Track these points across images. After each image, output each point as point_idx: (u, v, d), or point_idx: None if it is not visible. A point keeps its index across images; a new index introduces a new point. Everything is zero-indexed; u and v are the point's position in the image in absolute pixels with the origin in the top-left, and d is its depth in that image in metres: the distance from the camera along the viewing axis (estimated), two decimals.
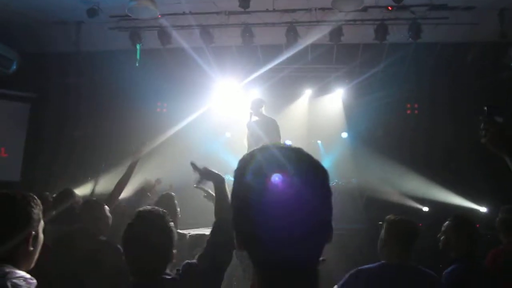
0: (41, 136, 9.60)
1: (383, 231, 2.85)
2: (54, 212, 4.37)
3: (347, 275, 2.70)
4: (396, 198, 8.48)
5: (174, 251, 2.06)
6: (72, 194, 4.55)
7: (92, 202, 3.81)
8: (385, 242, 2.81)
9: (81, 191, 8.25)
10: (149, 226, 2.05)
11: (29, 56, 9.23)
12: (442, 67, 8.88)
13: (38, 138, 9.60)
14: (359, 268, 2.71)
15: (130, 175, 4.25)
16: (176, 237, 2.12)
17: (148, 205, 3.79)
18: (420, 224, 8.39)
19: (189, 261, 2.08)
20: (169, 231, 2.08)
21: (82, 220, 3.65)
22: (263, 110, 7.21)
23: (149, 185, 6.30)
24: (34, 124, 9.71)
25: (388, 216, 2.89)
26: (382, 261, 2.77)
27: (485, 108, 1.97)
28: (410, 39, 7.75)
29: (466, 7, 7.55)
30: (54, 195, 4.69)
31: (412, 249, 2.82)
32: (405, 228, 2.83)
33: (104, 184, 8.54)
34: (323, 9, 7.86)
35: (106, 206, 3.79)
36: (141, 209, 2.18)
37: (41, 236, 1.83)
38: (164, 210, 2.17)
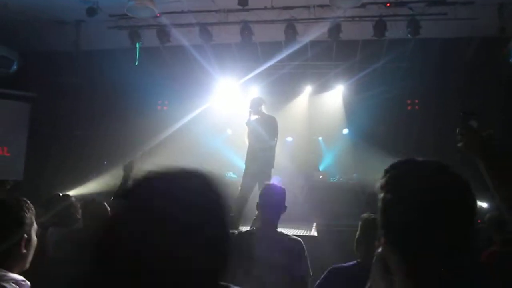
0: (42, 135, 9.63)
1: (358, 230, 2.86)
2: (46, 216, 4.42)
3: (325, 272, 2.75)
4: None
5: None
6: (65, 197, 4.55)
7: (92, 202, 3.83)
8: (360, 241, 2.82)
9: (84, 189, 8.31)
10: None
11: (30, 56, 9.26)
12: (441, 62, 8.87)
13: (39, 137, 9.62)
14: (334, 266, 2.75)
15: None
16: None
17: None
18: None
19: None
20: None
21: (82, 221, 3.68)
22: (263, 108, 7.22)
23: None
24: (36, 124, 9.74)
25: (363, 215, 2.90)
26: (358, 260, 2.79)
27: (461, 113, 2.07)
28: (409, 35, 7.74)
29: (465, 2, 7.54)
30: (48, 199, 4.68)
31: None
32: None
33: (107, 182, 8.60)
34: (321, 6, 7.86)
35: (106, 205, 3.81)
36: None
37: (34, 239, 1.89)
38: None
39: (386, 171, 1.17)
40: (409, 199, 1.09)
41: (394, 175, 1.15)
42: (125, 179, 4.30)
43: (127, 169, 4.26)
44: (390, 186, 1.14)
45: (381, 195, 1.15)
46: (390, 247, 1.13)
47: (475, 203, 1.12)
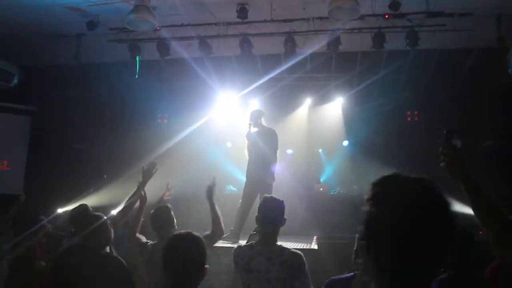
0: (42, 149, 9.61)
1: (356, 242, 2.84)
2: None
3: (323, 287, 2.71)
4: None
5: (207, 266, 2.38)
6: (86, 208, 4.63)
7: (95, 216, 3.80)
8: (358, 253, 2.80)
9: (84, 203, 8.24)
10: (188, 247, 2.38)
11: (30, 70, 9.29)
12: (441, 74, 8.88)
13: (39, 150, 9.61)
14: (332, 278, 2.72)
15: (140, 193, 4.29)
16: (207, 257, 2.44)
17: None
18: None
19: None
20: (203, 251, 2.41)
21: (86, 234, 3.65)
22: (263, 121, 7.25)
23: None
24: (36, 137, 9.73)
25: (359, 227, 2.89)
26: (355, 272, 2.76)
27: (444, 132, 2.06)
28: (408, 46, 7.75)
29: (463, 13, 7.57)
30: (70, 211, 4.78)
31: None
32: None
33: (105, 195, 8.55)
34: (320, 18, 7.88)
35: (107, 219, 3.79)
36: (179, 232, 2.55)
37: None
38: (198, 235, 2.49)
39: (373, 185, 1.21)
40: (393, 214, 1.12)
41: (380, 190, 1.19)
42: (143, 184, 4.31)
43: (146, 176, 4.30)
44: (375, 200, 1.17)
45: (367, 208, 1.19)
46: (372, 260, 1.16)
47: (454, 221, 1.15)
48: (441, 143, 2.02)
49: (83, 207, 4.78)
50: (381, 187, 1.19)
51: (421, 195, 1.15)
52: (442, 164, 2.00)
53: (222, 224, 3.84)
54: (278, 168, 8.47)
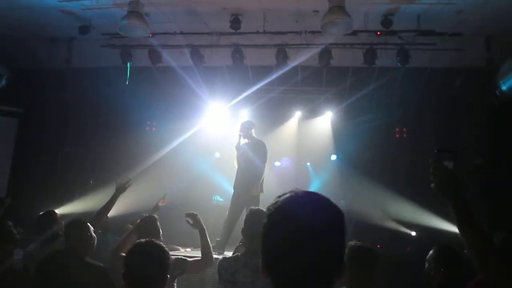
0: (28, 152, 9.52)
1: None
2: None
3: None
4: (384, 222, 8.49)
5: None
6: (55, 215, 4.58)
7: (76, 222, 3.77)
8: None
9: (68, 208, 8.17)
10: (148, 258, 2.35)
11: (19, 72, 9.21)
12: (430, 92, 8.98)
13: (25, 154, 9.50)
14: None
15: (112, 205, 4.42)
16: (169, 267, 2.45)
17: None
18: (408, 248, 8.42)
19: None
20: (165, 262, 2.40)
21: (68, 240, 3.61)
22: (253, 133, 7.25)
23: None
24: (22, 140, 9.63)
25: (349, 242, 2.90)
26: (343, 287, 2.77)
27: (435, 151, 1.96)
28: (399, 63, 7.84)
29: (453, 33, 7.70)
30: (38, 216, 4.71)
31: (373, 275, 2.84)
32: (364, 253, 2.85)
33: (92, 202, 8.46)
34: (313, 32, 7.96)
35: (91, 226, 3.76)
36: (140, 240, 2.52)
37: None
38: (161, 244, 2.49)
39: (273, 203, 1.25)
40: (279, 228, 1.17)
41: (274, 206, 1.23)
42: (114, 198, 4.33)
43: (118, 190, 4.32)
44: (269, 215, 1.22)
45: (264, 223, 1.23)
46: (264, 273, 1.21)
47: (343, 235, 1.18)
48: (431, 163, 1.93)
49: (49, 213, 4.74)
50: (275, 204, 1.24)
51: (309, 210, 1.19)
52: (432, 185, 1.94)
53: (212, 254, 3.79)
54: (284, 162, 8.51)
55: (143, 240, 2.46)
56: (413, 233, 8.47)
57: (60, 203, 8.20)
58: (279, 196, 1.25)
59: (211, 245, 3.77)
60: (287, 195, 1.24)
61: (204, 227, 3.73)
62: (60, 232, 4.15)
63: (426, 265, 3.27)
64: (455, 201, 1.88)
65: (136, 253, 2.38)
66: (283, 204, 1.21)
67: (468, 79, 8.52)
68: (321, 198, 1.23)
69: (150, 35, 7.82)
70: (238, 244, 4.17)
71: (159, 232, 3.84)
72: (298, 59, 8.26)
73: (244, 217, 3.51)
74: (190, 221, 3.77)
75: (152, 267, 2.31)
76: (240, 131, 7.17)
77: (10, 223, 4.40)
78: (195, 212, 3.80)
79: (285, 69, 8.39)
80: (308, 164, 10.97)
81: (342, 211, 1.21)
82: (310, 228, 1.14)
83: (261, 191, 6.97)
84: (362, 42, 7.99)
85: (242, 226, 3.39)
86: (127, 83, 8.86)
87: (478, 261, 1.86)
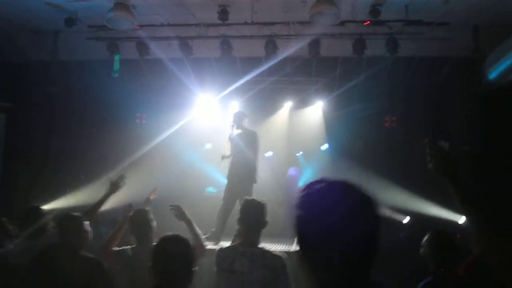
0: (18, 147, 9.44)
1: None
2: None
3: None
4: None
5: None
6: (40, 210, 4.54)
7: (70, 216, 3.77)
8: None
9: (60, 203, 8.15)
10: (177, 248, 2.44)
11: (5, 65, 9.11)
12: (418, 81, 9.08)
13: (15, 149, 9.43)
14: None
15: (103, 203, 4.41)
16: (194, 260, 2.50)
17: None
18: (402, 235, 8.54)
19: None
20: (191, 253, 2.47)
21: (62, 235, 3.62)
22: (245, 123, 7.29)
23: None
24: (11, 135, 9.55)
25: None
26: None
27: (431, 133, 2.05)
28: (388, 53, 7.91)
29: (440, 22, 7.77)
30: (23, 212, 4.66)
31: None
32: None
33: (84, 196, 8.44)
34: (301, 22, 7.98)
35: (85, 220, 3.76)
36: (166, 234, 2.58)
37: None
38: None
39: (301, 192, 1.27)
40: (317, 216, 1.18)
41: (306, 195, 1.25)
42: (107, 196, 4.29)
43: (112, 188, 4.27)
44: (301, 205, 1.24)
45: (296, 213, 1.24)
46: (303, 261, 1.23)
47: (378, 221, 1.21)
48: (427, 144, 2.01)
49: (35, 208, 4.68)
50: (307, 193, 1.26)
51: (344, 197, 1.21)
52: (429, 166, 2.01)
53: (203, 244, 3.81)
54: (292, 172, 8.61)
55: (169, 234, 2.53)
56: (406, 220, 8.58)
57: (53, 198, 8.18)
58: (309, 185, 1.28)
59: (201, 235, 3.77)
60: (319, 183, 1.26)
61: (190, 218, 3.71)
62: (50, 227, 4.13)
63: (421, 250, 3.36)
64: (454, 180, 1.94)
65: (162, 249, 2.45)
66: (318, 192, 1.24)
67: (455, 68, 8.63)
68: (354, 185, 1.26)
69: (137, 27, 7.78)
70: (235, 234, 4.22)
71: (151, 225, 3.84)
72: (287, 50, 8.25)
73: (239, 207, 3.55)
74: (175, 214, 3.76)
75: (178, 262, 2.38)
76: (233, 121, 7.22)
77: (4, 219, 4.40)
78: (178, 204, 3.78)
79: (275, 60, 8.39)
80: (300, 153, 11.03)
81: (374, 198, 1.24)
82: (349, 213, 1.17)
83: (254, 181, 7.03)
84: (351, 32, 8.03)
85: (238, 216, 3.42)
86: (115, 75, 8.79)
87: (479, 238, 1.91)
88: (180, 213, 3.74)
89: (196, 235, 3.64)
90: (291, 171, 8.75)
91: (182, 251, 2.42)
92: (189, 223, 3.70)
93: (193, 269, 2.40)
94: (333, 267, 1.17)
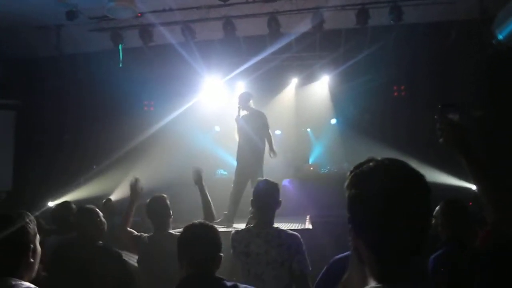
0: (29, 143, 9.54)
1: None
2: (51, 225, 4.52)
3: (328, 265, 2.67)
4: None
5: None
6: (69, 205, 4.62)
7: (86, 209, 3.79)
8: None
9: (75, 195, 8.25)
10: (205, 234, 2.45)
11: (12, 63, 9.15)
12: (425, 48, 8.91)
13: (27, 145, 9.52)
14: (334, 258, 2.70)
15: (132, 212, 4.00)
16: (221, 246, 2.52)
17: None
18: None
19: None
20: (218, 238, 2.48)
21: (79, 227, 3.65)
22: (251, 104, 7.24)
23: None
24: (22, 132, 9.63)
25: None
26: None
27: (439, 106, 1.99)
28: (392, 21, 7.74)
29: None
30: (53, 208, 4.77)
31: None
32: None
33: (96, 186, 8.53)
34: None
35: (99, 212, 3.78)
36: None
37: (38, 249, 2.01)
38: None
39: (351, 172, 1.28)
40: (371, 195, 1.19)
41: (357, 174, 1.25)
42: (132, 203, 4.09)
43: (134, 193, 4.07)
44: (354, 184, 1.24)
45: (347, 193, 1.26)
46: (359, 239, 1.24)
47: (429, 200, 1.21)
48: (437, 118, 1.97)
49: (65, 204, 4.76)
50: (358, 172, 1.25)
51: (396, 175, 1.21)
52: (440, 140, 1.97)
53: (213, 210, 3.84)
54: (286, 184, 8.63)
55: (196, 222, 2.54)
56: None
57: (67, 191, 8.27)
58: (361, 164, 1.27)
59: (210, 201, 3.86)
60: (373, 163, 1.25)
61: (204, 185, 3.84)
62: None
63: (433, 220, 3.28)
64: (465, 152, 1.91)
65: (191, 236, 2.46)
66: (375, 170, 1.23)
67: (462, 32, 8.44)
68: (407, 165, 1.25)
69: (139, 14, 7.70)
70: (249, 216, 4.20)
71: (168, 210, 3.82)
72: (290, 26, 8.15)
73: (252, 188, 3.53)
74: (195, 177, 3.87)
75: (207, 248, 2.40)
76: (239, 103, 7.17)
77: (37, 213, 4.45)
78: (200, 168, 3.89)
79: (278, 37, 8.32)
80: (309, 130, 10.99)
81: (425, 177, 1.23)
82: (405, 193, 1.18)
83: (262, 163, 7.01)
84: (353, 3, 7.86)
85: (251, 198, 3.41)
86: (120, 65, 8.76)
87: (494, 210, 1.88)
88: (197, 178, 3.87)
89: (206, 202, 3.83)
90: (285, 182, 8.73)
91: (210, 236, 2.44)
92: (203, 189, 3.87)
93: (220, 254, 2.43)
94: (394, 245, 1.17)
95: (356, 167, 1.27)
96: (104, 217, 3.80)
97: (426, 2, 7.65)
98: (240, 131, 7.14)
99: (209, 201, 3.85)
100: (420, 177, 1.22)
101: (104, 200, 6.84)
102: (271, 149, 7.03)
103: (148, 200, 3.88)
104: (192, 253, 2.38)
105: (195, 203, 4.09)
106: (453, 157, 2.00)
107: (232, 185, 7.09)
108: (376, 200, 1.18)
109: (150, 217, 3.81)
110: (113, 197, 7.45)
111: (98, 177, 8.67)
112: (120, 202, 6.97)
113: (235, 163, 7.35)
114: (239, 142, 7.22)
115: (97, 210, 3.79)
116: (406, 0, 7.64)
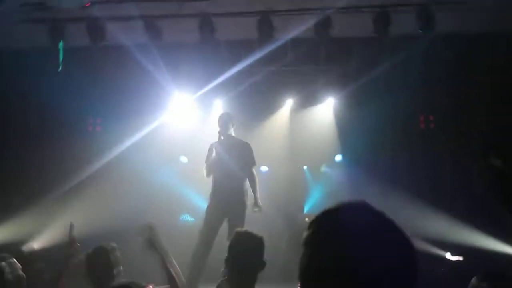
0: None
1: None
2: None
3: None
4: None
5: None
6: None
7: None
8: None
9: None
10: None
11: None
12: (463, 66, 9.00)
13: None
14: None
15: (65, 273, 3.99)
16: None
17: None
18: (442, 270, 8.44)
19: None
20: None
21: None
22: (232, 131, 7.22)
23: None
24: None
25: None
26: None
27: (481, 149, 1.99)
28: (420, 30, 7.83)
29: None
30: None
31: None
32: None
33: (18, 228, 8.35)
34: None
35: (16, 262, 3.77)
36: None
37: None
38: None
39: (309, 227, 1.30)
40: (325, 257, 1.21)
41: (315, 229, 1.28)
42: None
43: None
44: (309, 240, 1.27)
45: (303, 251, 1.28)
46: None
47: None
48: (479, 163, 1.95)
49: None
50: (315, 228, 1.28)
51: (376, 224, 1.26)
52: (478, 188, 1.92)
53: (182, 279, 3.71)
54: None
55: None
56: (449, 255, 8.47)
57: None
58: (328, 210, 1.29)
59: (181, 275, 3.76)
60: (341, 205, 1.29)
61: (165, 250, 3.70)
62: None
63: None
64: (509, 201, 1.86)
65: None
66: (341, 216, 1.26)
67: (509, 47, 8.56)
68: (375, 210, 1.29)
69: (87, 4, 7.69)
70: (221, 279, 4.03)
71: (113, 273, 3.72)
72: (288, 30, 8.25)
73: (227, 241, 3.46)
74: (147, 241, 3.67)
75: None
76: (220, 126, 7.15)
77: None
78: (151, 223, 3.79)
79: (271, 44, 8.37)
80: (305, 168, 10.97)
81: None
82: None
83: (246, 206, 6.97)
84: (371, 5, 7.97)
85: (226, 255, 3.36)
86: (59, 69, 8.71)
87: None
88: (152, 241, 3.59)
89: (172, 275, 3.58)
90: None
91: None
92: (163, 257, 3.63)
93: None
94: None
95: (315, 220, 1.30)
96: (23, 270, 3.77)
97: (467, 7, 7.76)
98: (217, 162, 7.08)
99: (176, 272, 3.67)
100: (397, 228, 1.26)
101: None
102: (255, 199, 6.97)
103: (86, 254, 3.79)
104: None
105: (150, 256, 3.94)
106: (496, 214, 1.94)
107: (198, 235, 6.97)
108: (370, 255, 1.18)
109: (90, 277, 3.71)
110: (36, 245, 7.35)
111: (19, 216, 8.48)
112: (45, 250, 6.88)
113: (205, 206, 7.26)
114: (214, 176, 7.15)
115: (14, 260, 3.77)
116: (440, 3, 7.75)
